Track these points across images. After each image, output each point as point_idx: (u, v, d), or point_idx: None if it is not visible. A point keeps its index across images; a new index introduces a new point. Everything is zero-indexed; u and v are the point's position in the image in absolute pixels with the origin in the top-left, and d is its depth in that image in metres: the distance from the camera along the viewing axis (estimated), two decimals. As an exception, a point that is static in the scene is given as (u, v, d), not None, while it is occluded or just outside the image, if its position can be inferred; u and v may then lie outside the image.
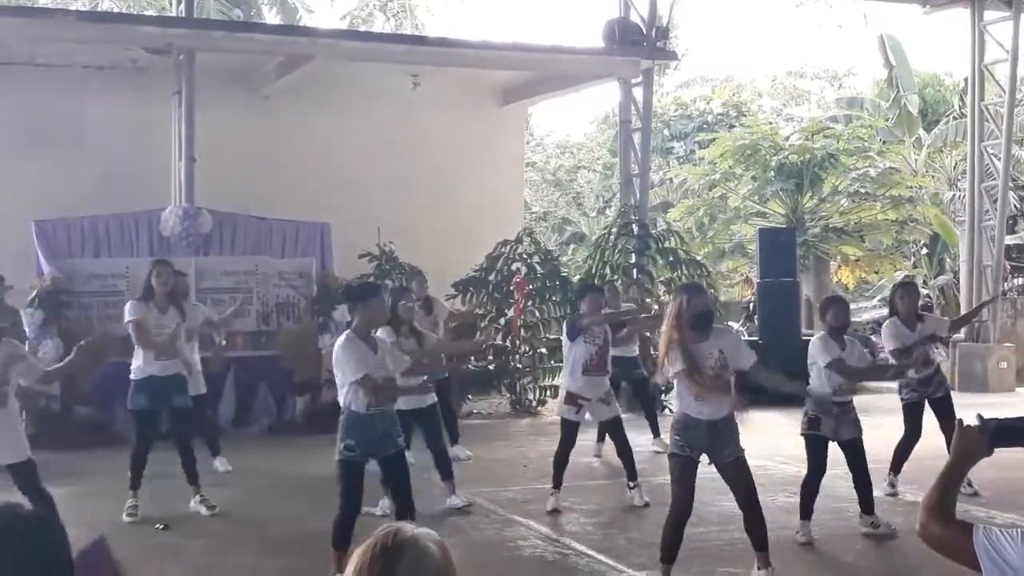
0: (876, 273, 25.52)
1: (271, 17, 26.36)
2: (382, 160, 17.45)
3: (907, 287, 10.33)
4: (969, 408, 3.71)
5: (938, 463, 2.96)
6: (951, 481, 2.90)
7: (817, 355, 8.12)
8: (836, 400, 8.07)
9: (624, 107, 17.10)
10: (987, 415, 2.93)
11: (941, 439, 7.70)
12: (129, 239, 13.81)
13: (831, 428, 8.03)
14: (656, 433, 11.92)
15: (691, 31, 47.81)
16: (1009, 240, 19.29)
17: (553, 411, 15.29)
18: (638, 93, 16.89)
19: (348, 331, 7.03)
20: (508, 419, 15.01)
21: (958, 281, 22.24)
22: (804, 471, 8.14)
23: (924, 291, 25.27)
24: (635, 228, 16.15)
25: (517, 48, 17.03)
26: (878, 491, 8.77)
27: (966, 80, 20.46)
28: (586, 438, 13.13)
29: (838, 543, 8.12)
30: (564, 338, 9.53)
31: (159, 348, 8.77)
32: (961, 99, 24.01)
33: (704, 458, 6.76)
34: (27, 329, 12.52)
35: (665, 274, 16.08)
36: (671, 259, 15.99)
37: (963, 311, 19.35)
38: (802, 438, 8.14)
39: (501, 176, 19.06)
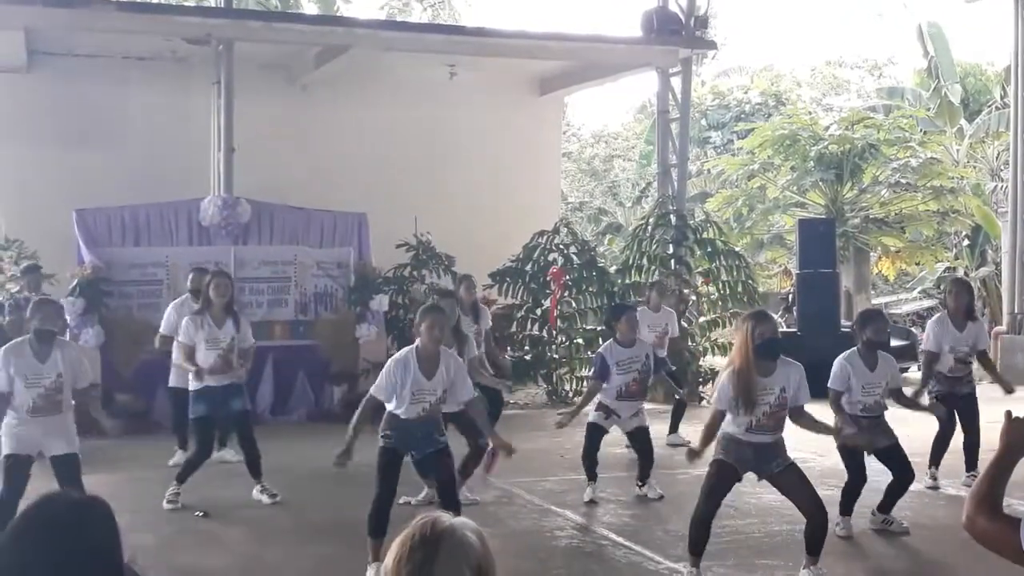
0: (917, 264, 25.27)
1: (309, 7, 26.43)
2: (419, 150, 17.46)
3: (958, 283, 10.12)
4: (1015, 402, 3.64)
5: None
6: (1000, 473, 2.85)
7: (834, 375, 7.92)
8: (864, 415, 7.98)
9: (662, 97, 17.01)
10: None
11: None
12: (169, 228, 13.91)
13: (866, 440, 7.93)
14: (674, 429, 11.87)
15: (730, 20, 47.56)
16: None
17: (593, 402, 15.32)
18: (676, 83, 16.79)
19: (411, 348, 6.81)
20: (544, 409, 14.99)
21: (1000, 272, 21.99)
22: (842, 463, 8.06)
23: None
24: (673, 219, 16.08)
25: (554, 38, 16.97)
26: (919, 485, 8.68)
27: (1008, 69, 20.20)
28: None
29: (873, 538, 8.05)
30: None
31: (201, 374, 8.79)
32: (1003, 89, 23.72)
33: (751, 475, 6.69)
34: (68, 318, 12.63)
35: (703, 265, 16.01)
36: (709, 250, 15.92)
37: (1005, 303, 19.13)
38: (837, 448, 8.03)
39: (538, 166, 19.02)
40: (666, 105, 16.90)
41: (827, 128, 22.95)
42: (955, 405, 9.34)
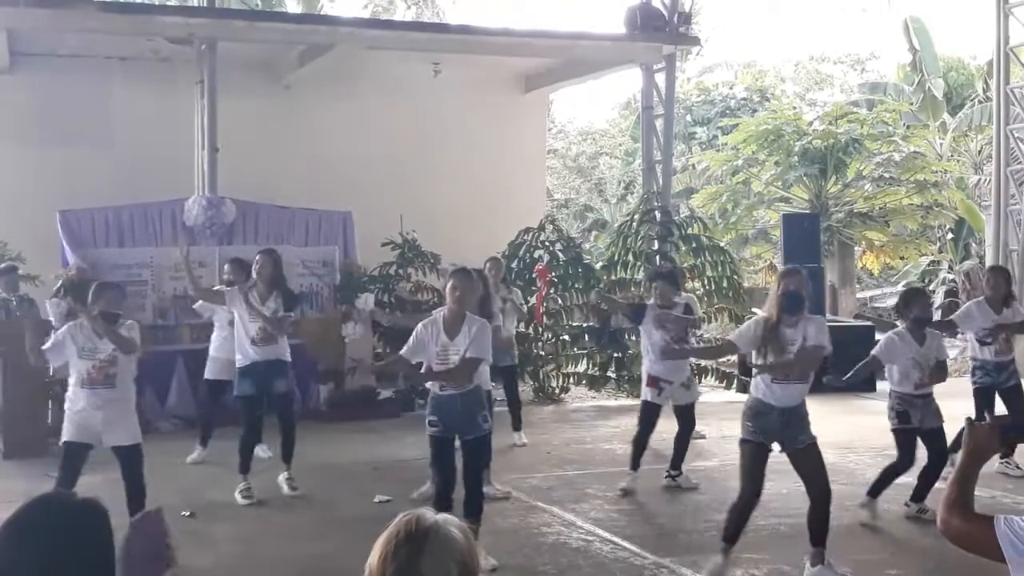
0: (901, 259, 25.34)
1: (292, 6, 26.36)
2: (404, 148, 17.44)
3: (995, 271, 10.23)
4: None
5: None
6: (966, 478, 2.93)
7: (879, 347, 8.18)
8: (917, 394, 8.11)
9: (646, 93, 17.03)
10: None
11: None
12: (153, 229, 13.87)
13: (918, 419, 8.07)
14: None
15: (713, 15, 47.67)
16: (1035, 224, 19.09)
17: (576, 398, 15.37)
18: (660, 79, 16.81)
19: (441, 310, 7.19)
20: (531, 406, 14.97)
21: (984, 265, 22.08)
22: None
23: (949, 276, 25.15)
24: (658, 215, 16.11)
25: (539, 35, 16.96)
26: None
27: (990, 63, 20.28)
28: (605, 423, 13.16)
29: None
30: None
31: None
32: (986, 83, 23.81)
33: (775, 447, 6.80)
34: (52, 319, 12.59)
35: (688, 260, 16.04)
36: (694, 245, 15.95)
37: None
38: (892, 430, 8.23)
39: (523, 164, 19.02)
40: (651, 101, 16.92)
41: (811, 123, 22.99)
42: (1000, 397, 9.42)
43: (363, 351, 13.10)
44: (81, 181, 14.95)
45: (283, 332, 9.29)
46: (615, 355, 15.67)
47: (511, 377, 11.37)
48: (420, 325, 7.14)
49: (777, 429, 6.68)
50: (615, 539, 7.84)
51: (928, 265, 26.44)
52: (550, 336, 15.61)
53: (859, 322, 18.18)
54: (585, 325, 15.59)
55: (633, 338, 15.82)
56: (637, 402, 15.11)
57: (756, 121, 23.41)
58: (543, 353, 15.62)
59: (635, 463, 9.30)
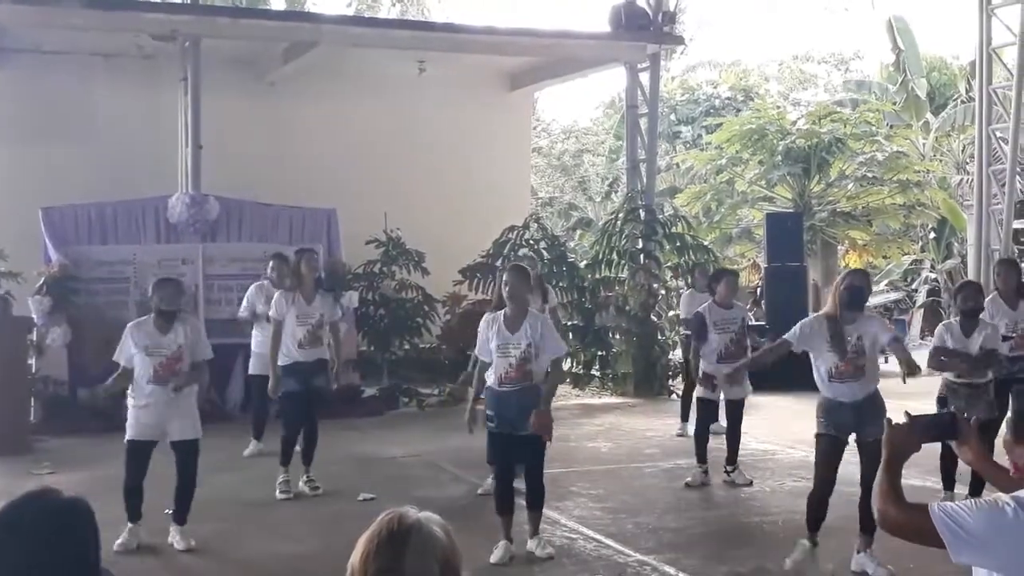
0: (884, 258, 25.45)
1: (276, 3, 26.31)
2: (389, 146, 17.43)
3: (1005, 264, 10.19)
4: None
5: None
6: (892, 474, 2.99)
7: (936, 336, 8.41)
8: (962, 382, 8.18)
9: (630, 92, 17.05)
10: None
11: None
12: (136, 226, 13.84)
13: (960, 409, 8.02)
14: (684, 418, 11.95)
15: (698, 15, 47.69)
16: (1017, 224, 19.17)
17: (560, 396, 15.34)
18: (644, 78, 16.84)
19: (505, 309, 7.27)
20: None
21: (966, 265, 22.18)
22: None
23: (932, 275, 25.26)
24: (642, 213, 16.14)
25: (523, 33, 16.98)
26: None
27: (973, 64, 20.37)
28: (589, 421, 13.18)
29: None
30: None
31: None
32: (968, 83, 23.91)
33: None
34: (35, 316, 12.56)
35: (672, 259, 16.08)
36: (678, 244, 15.99)
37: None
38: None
39: (508, 162, 19.03)
40: (635, 100, 16.94)
41: (794, 122, 23.07)
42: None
43: (349, 349, 13.08)
44: (64, 178, 14.90)
45: (335, 334, 9.51)
46: (599, 353, 15.70)
47: None
48: (482, 321, 7.33)
49: (851, 421, 6.78)
50: (598, 537, 7.84)
51: (910, 264, 26.56)
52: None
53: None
54: (570, 323, 15.61)
55: (618, 336, 15.87)
56: (621, 400, 15.21)
57: (740, 120, 23.47)
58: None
59: (700, 456, 9.53)
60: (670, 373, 15.63)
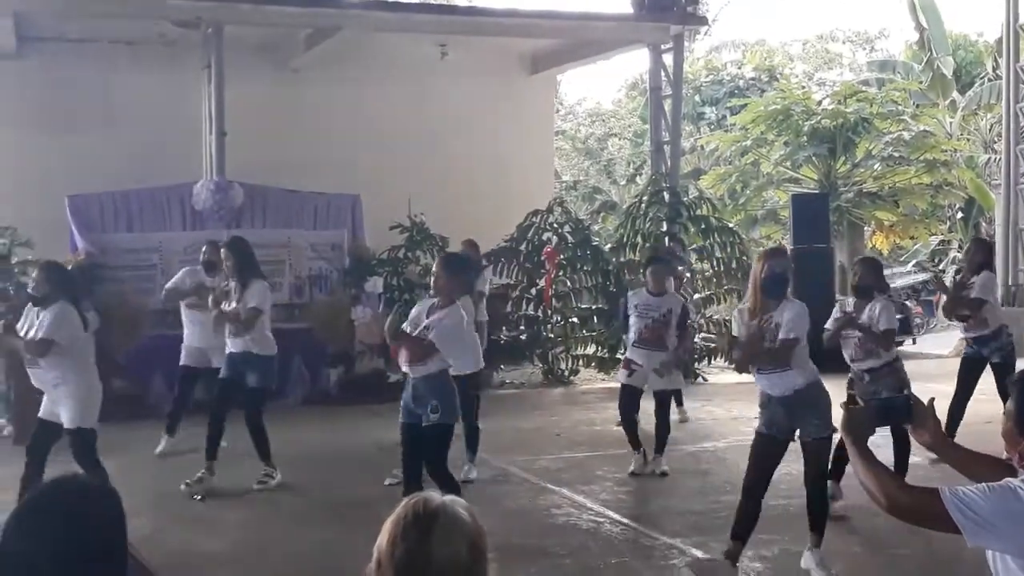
0: (911, 238, 25.27)
1: (299, -11, 26.25)
2: (412, 131, 17.41)
3: (977, 242, 10.36)
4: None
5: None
6: (869, 460, 2.95)
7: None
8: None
9: (654, 74, 16.96)
10: None
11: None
12: (161, 213, 13.89)
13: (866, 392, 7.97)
14: (679, 403, 11.90)
15: (721, -5, 47.51)
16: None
17: (585, 381, 15.37)
18: (668, 59, 16.72)
19: None
20: (541, 389, 15.02)
21: (994, 244, 22.00)
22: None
23: (960, 256, 25.04)
24: (666, 196, 16.07)
25: (546, 16, 16.92)
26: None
27: (999, 41, 20.16)
28: (615, 405, 13.15)
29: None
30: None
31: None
32: (995, 60, 23.68)
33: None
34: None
35: (697, 242, 16.00)
36: (703, 227, 15.91)
37: (999, 274, 19.13)
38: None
39: (531, 145, 18.99)
40: (658, 82, 16.85)
41: (820, 103, 22.92)
42: (992, 371, 9.53)
43: (373, 334, 13.08)
44: (89, 166, 14.95)
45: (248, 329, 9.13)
46: (624, 337, 15.65)
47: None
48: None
49: (784, 419, 6.39)
50: (625, 520, 7.84)
51: (938, 245, 26.37)
52: (559, 319, 15.60)
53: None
54: (594, 307, 15.58)
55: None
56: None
57: (765, 101, 23.34)
58: (552, 336, 15.61)
59: (632, 443, 9.38)
60: (695, 356, 15.56)
